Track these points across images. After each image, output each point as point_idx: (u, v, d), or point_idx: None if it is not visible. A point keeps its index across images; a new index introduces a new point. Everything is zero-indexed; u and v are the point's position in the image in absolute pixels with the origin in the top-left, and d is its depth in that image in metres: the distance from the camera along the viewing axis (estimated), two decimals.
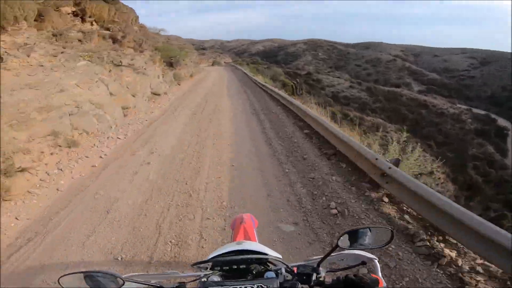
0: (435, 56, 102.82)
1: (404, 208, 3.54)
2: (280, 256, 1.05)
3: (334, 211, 3.58)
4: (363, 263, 1.02)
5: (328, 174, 4.65)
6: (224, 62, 52.94)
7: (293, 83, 16.95)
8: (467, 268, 2.56)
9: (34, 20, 6.14)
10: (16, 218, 3.63)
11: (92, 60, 6.68)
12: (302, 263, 1.03)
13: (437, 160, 5.31)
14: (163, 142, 6.16)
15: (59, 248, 3.11)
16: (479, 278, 2.42)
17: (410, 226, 3.16)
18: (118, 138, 6.34)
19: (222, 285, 0.88)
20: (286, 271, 0.97)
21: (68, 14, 7.81)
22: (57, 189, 4.33)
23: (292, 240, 3.11)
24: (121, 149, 5.81)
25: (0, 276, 2.71)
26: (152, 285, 0.94)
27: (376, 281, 0.88)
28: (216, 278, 0.95)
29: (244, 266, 1.00)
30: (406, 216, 3.36)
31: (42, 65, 5.19)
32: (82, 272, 0.88)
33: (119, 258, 2.92)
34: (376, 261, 1.06)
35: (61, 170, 4.78)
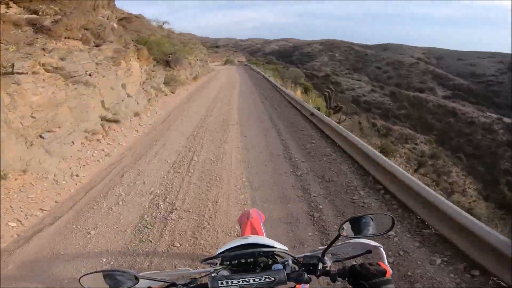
0: (459, 60, 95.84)
1: None
2: (287, 248, 1.05)
3: None
4: (369, 251, 1.02)
5: None
6: (238, 61, 48.49)
7: (327, 92, 12.40)
8: None
9: None
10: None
11: None
12: (308, 253, 1.01)
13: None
14: None
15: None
16: None
17: None
18: None
19: (231, 279, 0.88)
20: (293, 262, 0.96)
21: None
22: None
23: None
24: None
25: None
26: (165, 282, 0.95)
27: (382, 272, 0.85)
28: (225, 272, 0.95)
29: (252, 260, 0.99)
30: None
31: None
32: (100, 271, 0.89)
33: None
34: (381, 249, 1.05)
35: None
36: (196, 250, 2.77)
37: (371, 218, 0.94)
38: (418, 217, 2.94)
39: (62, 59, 4.47)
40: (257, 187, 3.89)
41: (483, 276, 2.21)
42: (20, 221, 3.20)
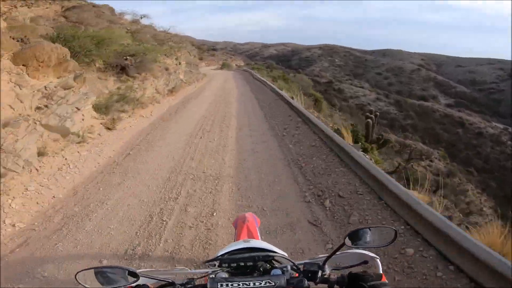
0: (458, 66, 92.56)
1: None
2: (286, 254, 1.02)
3: None
4: (365, 262, 1.00)
5: None
6: (236, 65, 43.96)
7: (369, 118, 8.00)
8: None
9: None
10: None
11: None
12: (308, 261, 1.00)
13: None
14: None
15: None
16: None
17: None
18: None
19: (230, 281, 0.86)
20: (292, 268, 0.95)
21: None
22: None
23: None
24: None
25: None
26: (163, 280, 0.92)
27: (379, 275, 0.88)
28: (224, 274, 0.93)
29: (251, 264, 0.97)
30: None
31: None
32: (97, 267, 0.86)
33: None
34: (378, 260, 1.02)
35: None
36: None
37: (375, 230, 0.94)
38: None
39: None
40: None
41: None
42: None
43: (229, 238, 2.93)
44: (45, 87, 4.06)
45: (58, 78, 4.44)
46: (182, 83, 12.43)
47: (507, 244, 2.48)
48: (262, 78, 17.60)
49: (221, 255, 1.00)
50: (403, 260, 2.52)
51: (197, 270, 1.08)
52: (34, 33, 5.03)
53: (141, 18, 14.22)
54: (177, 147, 5.63)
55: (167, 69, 10.23)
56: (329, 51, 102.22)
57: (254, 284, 0.84)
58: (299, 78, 20.80)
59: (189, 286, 0.91)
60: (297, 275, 0.92)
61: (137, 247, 2.86)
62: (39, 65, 4.02)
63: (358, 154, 4.36)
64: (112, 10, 12.44)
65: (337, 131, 6.58)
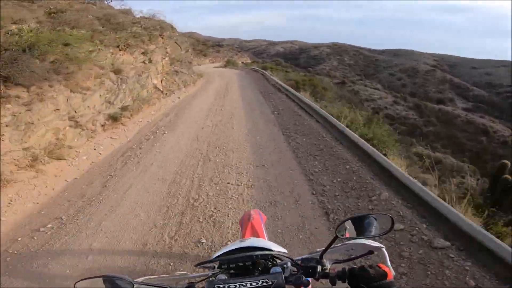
0: (473, 68, 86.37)
1: None
2: (285, 251, 0.98)
3: None
4: (370, 252, 0.95)
5: None
6: (242, 63, 38.91)
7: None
8: None
9: None
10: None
11: None
12: (307, 256, 0.95)
13: None
14: None
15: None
16: None
17: None
18: None
19: (228, 283, 0.83)
20: (292, 265, 0.90)
21: None
22: None
23: None
24: None
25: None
26: (162, 287, 0.89)
27: (383, 274, 0.78)
28: (223, 276, 0.88)
29: (250, 263, 0.92)
30: None
31: None
32: (96, 277, 0.84)
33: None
34: (383, 249, 0.97)
35: None
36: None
37: (371, 218, 0.89)
38: None
39: None
40: None
41: None
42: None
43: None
44: None
45: None
46: (155, 93, 7.67)
47: None
48: (277, 80, 12.62)
49: (217, 257, 0.95)
50: None
51: (197, 274, 1.05)
52: None
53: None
54: None
55: (117, 72, 5.46)
56: (338, 49, 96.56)
57: (252, 284, 0.81)
58: (319, 80, 15.81)
59: None
60: (296, 271, 0.88)
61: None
62: None
63: None
64: None
65: None
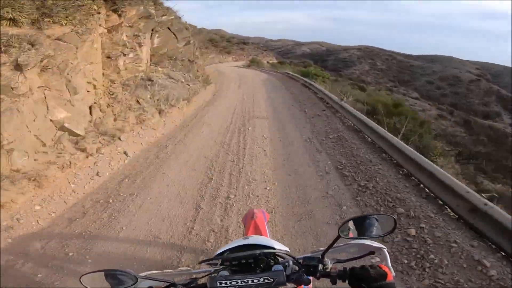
0: None
1: None
2: (288, 249, 0.96)
3: None
4: (371, 253, 0.95)
5: None
6: (268, 63, 34.29)
7: None
8: None
9: None
10: None
11: None
12: (309, 255, 0.94)
13: None
14: None
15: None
16: None
17: None
18: None
19: (229, 279, 0.82)
20: (294, 263, 0.90)
21: None
22: None
23: None
24: None
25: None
26: (165, 281, 0.89)
27: (383, 274, 0.78)
28: (225, 273, 0.87)
29: (252, 261, 0.90)
30: None
31: None
32: (100, 270, 0.85)
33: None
34: (385, 250, 0.96)
35: None
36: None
37: (374, 219, 0.87)
38: None
39: None
40: None
41: None
42: None
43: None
44: None
45: None
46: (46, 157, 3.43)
47: None
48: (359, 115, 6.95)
49: (220, 254, 0.95)
50: None
51: (200, 270, 1.03)
52: None
53: None
54: None
55: None
56: (369, 53, 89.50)
57: (253, 281, 0.81)
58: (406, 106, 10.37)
59: (191, 286, 0.89)
60: (298, 270, 0.88)
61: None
62: None
63: None
64: None
65: None
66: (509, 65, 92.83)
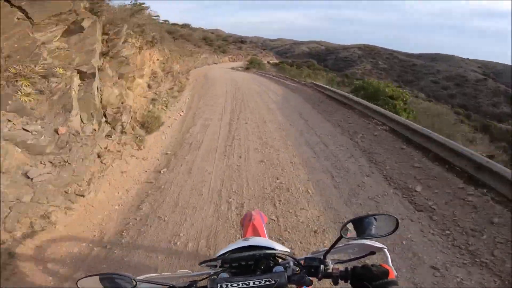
0: None
1: None
2: (288, 250, 0.92)
3: None
4: (372, 253, 0.92)
5: None
6: (269, 64, 30.11)
7: None
8: None
9: None
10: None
11: None
12: (310, 255, 0.92)
13: None
14: None
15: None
16: None
17: None
18: None
19: (230, 282, 0.80)
20: (294, 264, 0.88)
21: None
22: None
23: None
24: None
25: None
26: (164, 284, 0.86)
27: (385, 272, 0.76)
28: (225, 275, 0.86)
29: (253, 262, 0.90)
30: None
31: None
32: (98, 274, 0.81)
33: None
34: (386, 250, 0.92)
35: None
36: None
37: (374, 219, 0.84)
38: None
39: None
40: None
41: None
42: None
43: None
44: None
45: None
46: None
47: None
48: None
49: (220, 255, 0.92)
50: None
51: (199, 272, 0.99)
52: None
53: None
54: None
55: None
56: (370, 52, 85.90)
57: (254, 283, 0.78)
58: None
59: None
60: (299, 271, 0.86)
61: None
62: None
63: None
64: None
65: None
66: (509, 63, 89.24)
